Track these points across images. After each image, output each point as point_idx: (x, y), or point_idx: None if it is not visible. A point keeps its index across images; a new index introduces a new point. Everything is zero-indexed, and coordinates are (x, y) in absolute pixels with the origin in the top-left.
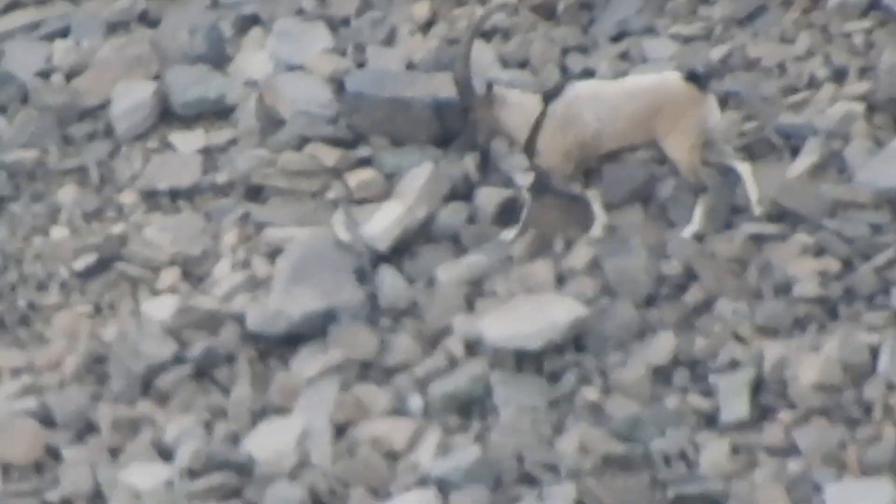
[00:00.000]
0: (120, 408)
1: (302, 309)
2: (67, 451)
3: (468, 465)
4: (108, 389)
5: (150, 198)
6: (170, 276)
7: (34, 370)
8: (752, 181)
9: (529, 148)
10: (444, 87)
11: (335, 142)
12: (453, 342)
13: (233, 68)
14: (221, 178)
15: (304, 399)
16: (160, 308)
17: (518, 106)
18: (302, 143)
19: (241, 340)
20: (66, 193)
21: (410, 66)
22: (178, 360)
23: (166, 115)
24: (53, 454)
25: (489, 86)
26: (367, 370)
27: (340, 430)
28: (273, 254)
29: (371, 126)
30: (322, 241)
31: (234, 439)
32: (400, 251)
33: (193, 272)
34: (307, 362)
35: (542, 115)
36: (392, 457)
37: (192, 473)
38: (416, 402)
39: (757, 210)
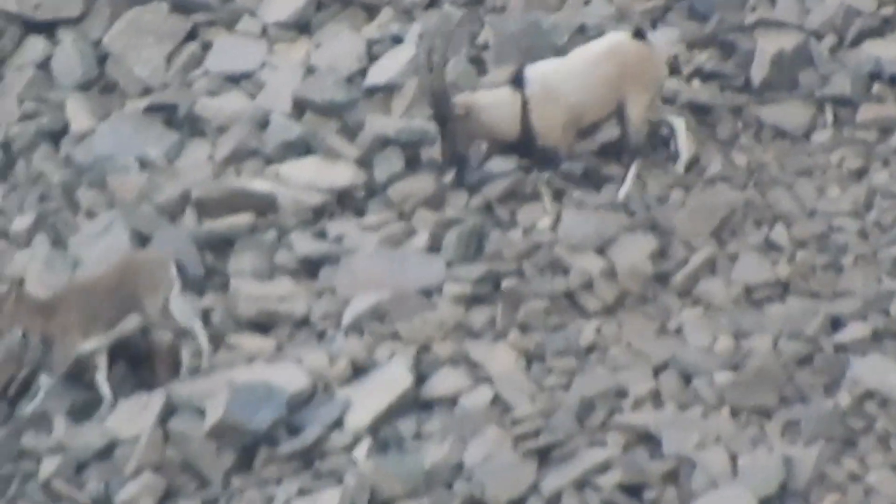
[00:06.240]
0: None
1: None
2: None
3: None
4: None
5: None
6: None
7: None
8: (684, 136)
9: (528, 133)
10: None
11: None
12: None
13: None
14: None
15: None
16: None
17: (494, 105)
18: None
19: None
20: None
21: None
22: None
23: None
24: None
25: (461, 100)
26: None
27: None
28: None
29: None
30: None
31: None
32: None
33: None
34: None
35: (524, 100)
36: None
37: None
38: None
39: (681, 167)
